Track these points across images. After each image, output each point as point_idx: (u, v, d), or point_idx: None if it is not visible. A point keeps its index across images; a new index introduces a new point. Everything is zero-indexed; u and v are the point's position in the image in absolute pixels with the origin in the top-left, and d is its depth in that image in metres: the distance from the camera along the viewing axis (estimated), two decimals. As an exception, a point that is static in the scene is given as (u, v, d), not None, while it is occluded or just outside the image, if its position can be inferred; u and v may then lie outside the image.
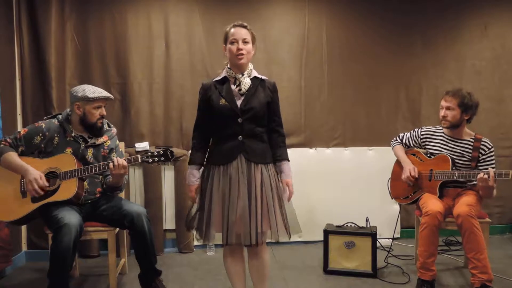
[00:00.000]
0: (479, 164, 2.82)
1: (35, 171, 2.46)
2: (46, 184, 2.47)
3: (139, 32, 3.50)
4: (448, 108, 2.82)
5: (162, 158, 2.44)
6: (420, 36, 3.84)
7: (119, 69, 3.49)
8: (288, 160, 2.28)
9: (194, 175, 2.25)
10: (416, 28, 3.83)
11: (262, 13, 3.67)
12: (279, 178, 2.25)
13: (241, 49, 2.14)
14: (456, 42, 3.88)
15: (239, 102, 2.16)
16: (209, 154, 2.26)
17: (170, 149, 2.46)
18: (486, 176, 2.57)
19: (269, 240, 2.20)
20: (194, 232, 2.25)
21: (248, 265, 2.31)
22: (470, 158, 2.83)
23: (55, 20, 3.31)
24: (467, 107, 2.80)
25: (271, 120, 2.26)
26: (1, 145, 2.54)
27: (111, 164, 2.44)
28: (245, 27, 2.19)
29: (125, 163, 2.45)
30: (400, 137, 3.13)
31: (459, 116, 2.81)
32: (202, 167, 2.27)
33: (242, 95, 2.18)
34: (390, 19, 3.80)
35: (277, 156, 2.26)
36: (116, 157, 2.53)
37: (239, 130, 2.16)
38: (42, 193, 2.45)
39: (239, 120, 2.15)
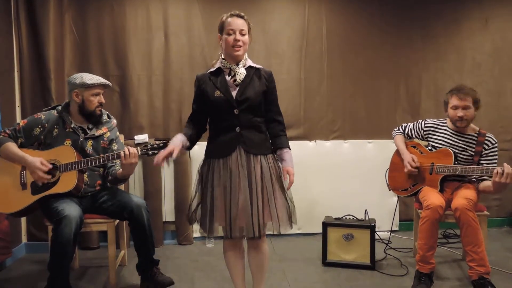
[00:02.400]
0: (481, 159, 2.81)
1: (34, 158, 2.47)
2: (49, 166, 2.47)
3: (138, 24, 3.47)
4: (464, 108, 2.74)
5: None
6: (420, 29, 3.82)
7: (118, 61, 3.47)
8: (289, 148, 2.23)
9: (177, 138, 2.17)
10: (416, 21, 3.80)
11: (261, 5, 3.65)
12: (280, 168, 2.20)
13: (239, 41, 2.10)
14: (456, 35, 3.86)
15: (234, 93, 2.13)
16: (208, 147, 2.23)
17: (170, 141, 2.45)
18: (501, 171, 2.49)
19: (270, 232, 2.19)
20: (198, 226, 2.24)
21: (248, 257, 2.30)
22: (473, 152, 2.81)
23: (54, 11, 3.29)
24: (477, 103, 2.78)
25: (268, 109, 2.22)
26: (0, 136, 2.54)
27: (122, 153, 2.40)
28: (242, 17, 2.14)
29: (136, 151, 2.41)
30: (403, 127, 3.11)
31: (474, 113, 2.78)
32: (188, 141, 2.19)
33: (237, 85, 2.14)
34: (390, 12, 3.77)
35: (277, 145, 2.22)
36: (123, 149, 2.50)
37: (236, 122, 2.12)
38: (49, 177, 2.47)
39: (236, 111, 2.12)
